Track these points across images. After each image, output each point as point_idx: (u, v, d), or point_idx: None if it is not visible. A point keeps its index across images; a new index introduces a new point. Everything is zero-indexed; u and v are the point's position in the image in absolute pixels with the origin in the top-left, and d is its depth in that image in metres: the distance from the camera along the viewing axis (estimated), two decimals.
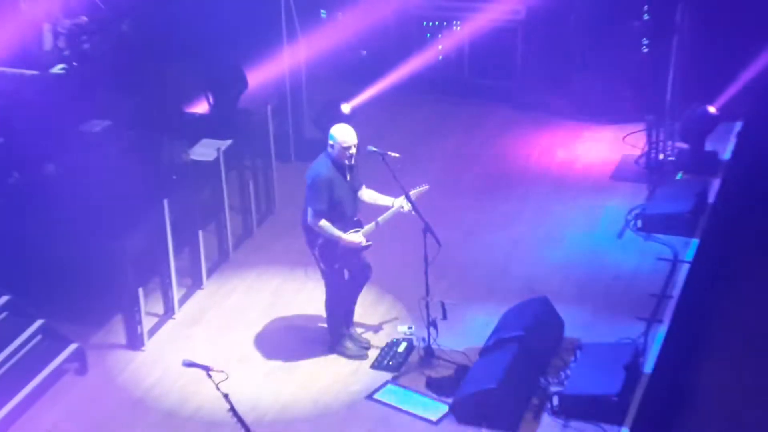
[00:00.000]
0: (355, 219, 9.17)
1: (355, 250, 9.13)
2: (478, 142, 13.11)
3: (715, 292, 10.42)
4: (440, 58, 14.26)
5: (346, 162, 8.94)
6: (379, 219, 9.14)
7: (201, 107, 12.27)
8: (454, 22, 14.13)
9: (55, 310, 9.67)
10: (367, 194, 9.24)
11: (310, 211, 8.95)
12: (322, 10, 14.50)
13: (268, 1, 12.52)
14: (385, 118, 13.43)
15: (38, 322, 9.42)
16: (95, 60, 11.02)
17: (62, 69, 10.77)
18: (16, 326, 9.37)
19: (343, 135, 8.92)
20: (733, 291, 10.47)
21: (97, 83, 10.81)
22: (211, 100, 12.09)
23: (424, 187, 9.24)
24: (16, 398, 8.87)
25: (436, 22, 14.21)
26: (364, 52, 14.56)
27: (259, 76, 12.89)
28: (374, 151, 8.98)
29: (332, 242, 9.02)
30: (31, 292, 9.61)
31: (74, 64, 10.85)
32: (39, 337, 9.41)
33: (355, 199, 9.15)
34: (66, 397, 9.18)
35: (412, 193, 9.12)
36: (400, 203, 9.08)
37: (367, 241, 9.13)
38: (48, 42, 11.24)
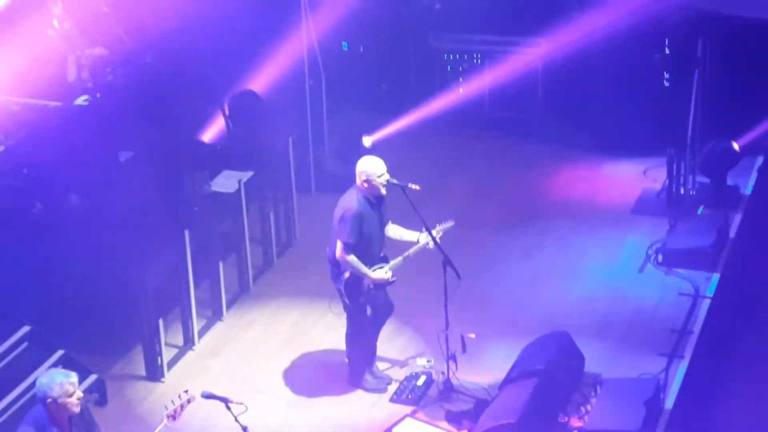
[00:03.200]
0: (381, 255, 9.16)
1: (381, 285, 9.12)
2: (498, 175, 13.10)
3: (737, 328, 10.35)
4: (461, 91, 14.30)
5: (383, 191, 8.94)
6: (407, 254, 9.14)
7: (221, 136, 12.33)
8: (475, 56, 14.17)
9: (76, 340, 9.72)
10: (392, 230, 9.23)
11: (339, 244, 8.95)
12: (343, 42, 14.56)
13: (291, 34, 12.60)
14: (406, 151, 13.42)
15: (58, 353, 9.44)
16: (119, 92, 11.08)
17: (86, 101, 10.84)
18: (36, 357, 9.38)
19: (374, 165, 8.92)
20: (754, 326, 10.40)
21: (120, 115, 10.87)
22: (231, 126, 12.13)
23: (450, 224, 9.25)
24: None
25: (457, 56, 14.25)
26: (385, 86, 14.60)
27: (281, 108, 12.94)
28: (395, 184, 8.97)
29: (358, 277, 9.01)
30: (52, 322, 9.64)
31: (98, 95, 10.92)
32: (59, 368, 9.42)
33: (383, 235, 9.14)
34: None
35: (438, 228, 9.14)
36: (426, 239, 9.07)
37: (392, 276, 9.13)
38: (72, 74, 11.32)
